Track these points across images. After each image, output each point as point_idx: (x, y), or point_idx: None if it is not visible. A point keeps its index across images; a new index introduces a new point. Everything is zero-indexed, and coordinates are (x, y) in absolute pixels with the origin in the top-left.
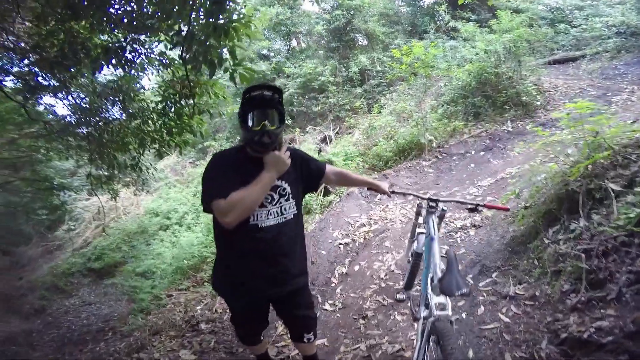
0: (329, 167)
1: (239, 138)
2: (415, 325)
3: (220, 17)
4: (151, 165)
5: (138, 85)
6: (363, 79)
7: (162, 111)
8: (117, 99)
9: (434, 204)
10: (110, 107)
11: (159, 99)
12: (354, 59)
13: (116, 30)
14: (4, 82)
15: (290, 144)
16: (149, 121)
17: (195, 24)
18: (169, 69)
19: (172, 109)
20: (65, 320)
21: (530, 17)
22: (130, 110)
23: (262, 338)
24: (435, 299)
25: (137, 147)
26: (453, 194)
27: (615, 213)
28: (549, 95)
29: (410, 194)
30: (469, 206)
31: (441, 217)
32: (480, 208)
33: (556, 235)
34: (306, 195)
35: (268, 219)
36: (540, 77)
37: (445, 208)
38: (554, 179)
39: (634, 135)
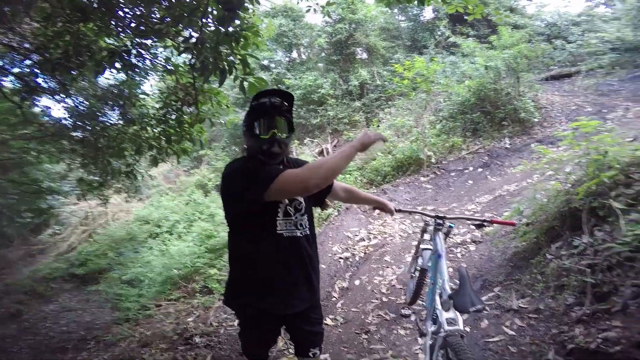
0: (337, 183)
1: (242, 147)
2: (421, 340)
3: (232, 25)
4: (146, 172)
5: (139, 91)
6: (362, 92)
7: (163, 118)
8: (117, 103)
9: (440, 222)
10: (109, 111)
11: (160, 105)
12: (354, 73)
13: (123, 34)
14: (2, 82)
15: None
16: (148, 127)
17: (205, 30)
18: (173, 75)
19: (173, 116)
20: (43, 326)
21: (529, 33)
22: (129, 116)
23: (270, 354)
24: (445, 315)
25: (134, 154)
26: (451, 210)
27: (623, 230)
28: (546, 112)
29: (417, 212)
30: (476, 222)
31: (447, 234)
32: (487, 224)
33: (559, 251)
34: None
35: (292, 229)
36: (538, 94)
37: (452, 225)
38: (557, 197)
39: (635, 154)
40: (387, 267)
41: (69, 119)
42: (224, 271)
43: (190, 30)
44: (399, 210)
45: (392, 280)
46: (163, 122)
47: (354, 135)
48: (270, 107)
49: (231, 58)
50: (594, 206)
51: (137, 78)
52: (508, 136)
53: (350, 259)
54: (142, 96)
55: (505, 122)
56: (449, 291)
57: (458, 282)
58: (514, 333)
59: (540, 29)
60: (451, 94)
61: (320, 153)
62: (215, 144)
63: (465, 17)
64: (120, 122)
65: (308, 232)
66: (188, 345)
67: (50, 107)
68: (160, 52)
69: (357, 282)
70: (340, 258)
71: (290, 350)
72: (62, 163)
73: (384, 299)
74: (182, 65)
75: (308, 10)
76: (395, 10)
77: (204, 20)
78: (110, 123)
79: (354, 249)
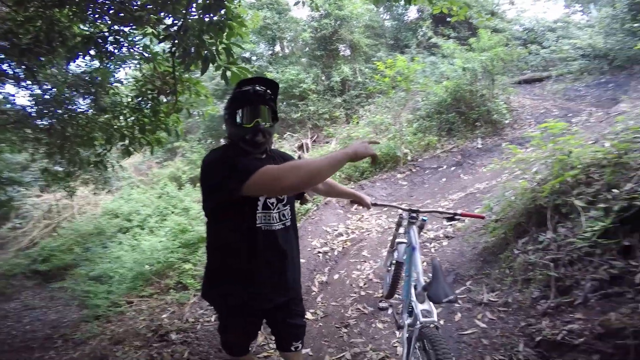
0: None
1: (224, 137)
2: (398, 333)
3: (218, 13)
4: (117, 162)
5: (113, 79)
6: (343, 89)
7: (137, 107)
8: (88, 91)
9: (415, 215)
10: (79, 99)
11: (135, 93)
12: (337, 69)
13: (99, 21)
14: None
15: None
16: (121, 116)
17: (189, 18)
18: (150, 64)
19: (149, 105)
20: (4, 325)
21: (507, 36)
22: (102, 104)
23: (250, 349)
24: (420, 307)
25: (104, 143)
26: (425, 206)
27: (584, 226)
28: (517, 114)
29: (392, 206)
30: (448, 215)
31: (421, 227)
32: (458, 217)
33: (525, 246)
34: None
35: (274, 222)
36: (510, 96)
37: (425, 218)
38: (523, 194)
39: (596, 156)
40: (365, 262)
41: (34, 106)
42: (199, 266)
43: (172, 17)
44: (375, 204)
45: (369, 274)
46: (137, 111)
47: (333, 131)
48: (253, 95)
49: (214, 47)
50: (557, 203)
51: (111, 66)
52: (480, 136)
53: (329, 254)
54: (116, 84)
55: (479, 122)
56: (423, 283)
57: (431, 274)
58: (485, 326)
59: (518, 34)
60: (429, 93)
61: (300, 147)
62: (190, 136)
63: (448, 19)
64: (90, 110)
65: (289, 223)
66: (164, 342)
67: (13, 95)
68: (139, 40)
69: (335, 276)
70: (319, 252)
71: (271, 345)
72: (24, 152)
73: (362, 293)
74: (161, 54)
75: (297, 3)
76: (381, 9)
77: (188, 9)
78: (80, 111)
79: (333, 243)
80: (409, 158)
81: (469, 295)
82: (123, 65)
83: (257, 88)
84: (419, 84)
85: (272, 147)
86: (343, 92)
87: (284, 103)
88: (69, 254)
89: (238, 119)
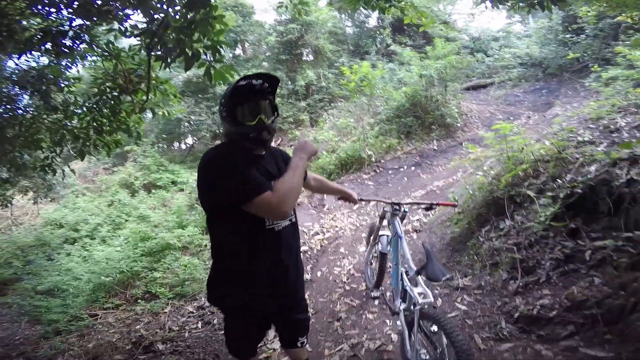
0: (309, 172)
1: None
2: (389, 321)
3: (202, 10)
4: (67, 166)
5: (69, 74)
6: (307, 93)
7: (94, 106)
8: (38, 88)
9: (397, 207)
10: (25, 96)
11: (94, 91)
12: (301, 73)
13: (53, 15)
14: None
15: None
16: (74, 116)
17: (168, 15)
18: (112, 61)
19: (107, 105)
20: None
21: (458, 45)
22: (52, 103)
23: (257, 350)
24: (416, 290)
25: (52, 145)
26: None
27: (539, 212)
28: (466, 118)
29: (376, 200)
30: (425, 205)
31: (402, 218)
32: (434, 206)
33: (488, 234)
34: None
35: (280, 221)
36: (460, 102)
37: (407, 209)
38: (481, 188)
39: (540, 152)
40: (344, 258)
41: None
42: (167, 274)
43: (145, 13)
44: (361, 199)
45: (350, 269)
46: (94, 111)
47: (299, 134)
48: (251, 90)
49: (200, 45)
50: (512, 194)
51: (66, 62)
52: (436, 139)
53: (309, 252)
54: (73, 80)
55: (434, 126)
56: (414, 268)
57: (425, 256)
58: (466, 308)
59: (466, 42)
60: (388, 99)
61: None
62: (143, 139)
63: (404, 27)
64: (31, 109)
65: (294, 219)
66: (150, 354)
67: None
68: (102, 35)
69: (318, 274)
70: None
71: (269, 346)
72: None
73: (347, 287)
74: (126, 51)
75: (280, 6)
76: (343, 16)
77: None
78: (24, 110)
79: (311, 242)
80: (373, 160)
81: (445, 281)
82: (79, 62)
83: (254, 82)
84: (380, 89)
85: (280, 148)
86: (307, 96)
87: None
88: (6, 268)
89: (239, 117)
